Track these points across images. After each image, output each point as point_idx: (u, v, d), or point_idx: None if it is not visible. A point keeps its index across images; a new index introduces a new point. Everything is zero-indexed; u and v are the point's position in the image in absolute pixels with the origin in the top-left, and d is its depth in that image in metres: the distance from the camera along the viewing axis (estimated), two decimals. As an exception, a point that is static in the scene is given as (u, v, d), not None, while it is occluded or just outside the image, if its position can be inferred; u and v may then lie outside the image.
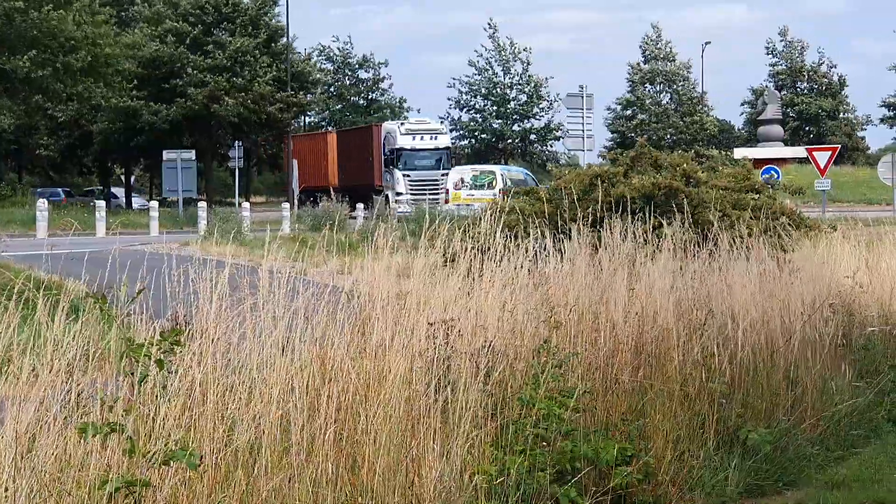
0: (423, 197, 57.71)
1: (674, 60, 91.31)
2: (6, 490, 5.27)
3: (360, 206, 51.97)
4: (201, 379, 6.22)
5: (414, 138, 64.63)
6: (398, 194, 61.68)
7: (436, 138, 65.64)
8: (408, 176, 62.87)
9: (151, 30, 67.80)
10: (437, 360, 7.63)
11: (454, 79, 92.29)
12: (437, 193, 58.85)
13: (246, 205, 45.85)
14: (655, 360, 9.29)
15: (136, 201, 75.12)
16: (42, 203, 43.71)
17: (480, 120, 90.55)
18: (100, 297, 5.92)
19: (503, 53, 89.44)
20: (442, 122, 70.76)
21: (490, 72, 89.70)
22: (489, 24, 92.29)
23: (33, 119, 64.94)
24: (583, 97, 43.30)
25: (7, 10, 52.11)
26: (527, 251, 9.26)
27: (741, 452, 9.43)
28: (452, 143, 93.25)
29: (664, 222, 11.93)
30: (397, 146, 63.95)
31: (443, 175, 60.84)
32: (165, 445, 5.57)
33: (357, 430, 6.85)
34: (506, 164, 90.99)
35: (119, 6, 70.30)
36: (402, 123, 67.27)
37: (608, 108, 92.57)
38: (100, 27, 56.24)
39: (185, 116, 66.65)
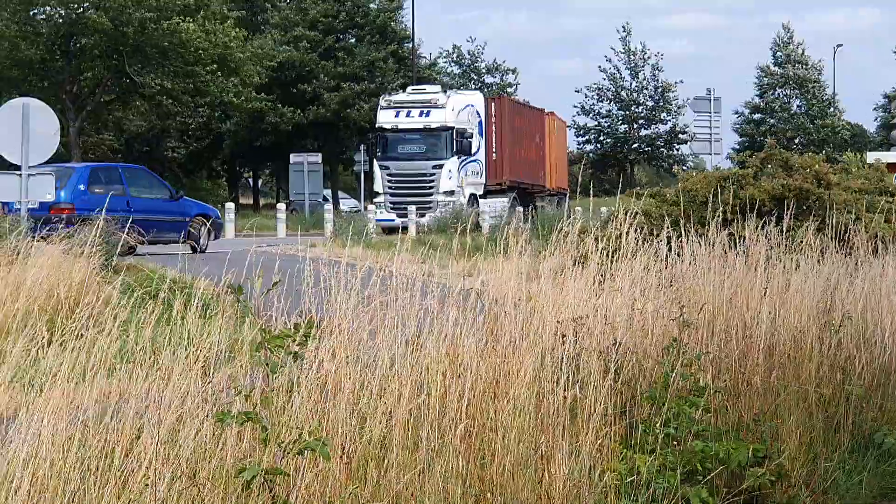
0: (408, 199, 45.18)
1: (806, 64, 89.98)
2: (149, 478, 5.38)
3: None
4: (335, 372, 6.29)
5: (397, 114, 47.30)
6: (375, 195, 47.84)
7: (428, 113, 47.02)
8: (386, 169, 47.31)
9: (281, 35, 68.59)
10: (566, 358, 7.62)
11: (585, 86, 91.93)
12: (428, 195, 46.05)
13: (371, 207, 46.12)
14: (789, 361, 9.17)
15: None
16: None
17: (606, 125, 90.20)
18: (236, 289, 6.02)
19: (632, 58, 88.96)
20: (447, 91, 50.42)
21: (618, 76, 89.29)
22: (623, 27, 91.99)
23: (165, 124, 66.06)
24: (710, 101, 42.89)
25: (140, 21, 53.07)
26: (656, 252, 9.23)
27: (876, 456, 9.28)
28: (581, 144, 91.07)
29: (796, 224, 11.79)
30: (377, 125, 48.51)
31: (435, 168, 46.57)
32: (299, 436, 5.64)
33: (486, 427, 6.87)
34: (631, 169, 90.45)
35: (250, 12, 71.20)
36: (390, 93, 51.65)
37: (736, 113, 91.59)
38: (229, 34, 57.04)
39: (315, 121, 67.27)
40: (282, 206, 43.54)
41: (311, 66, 67.99)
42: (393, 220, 43.75)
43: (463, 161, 47.49)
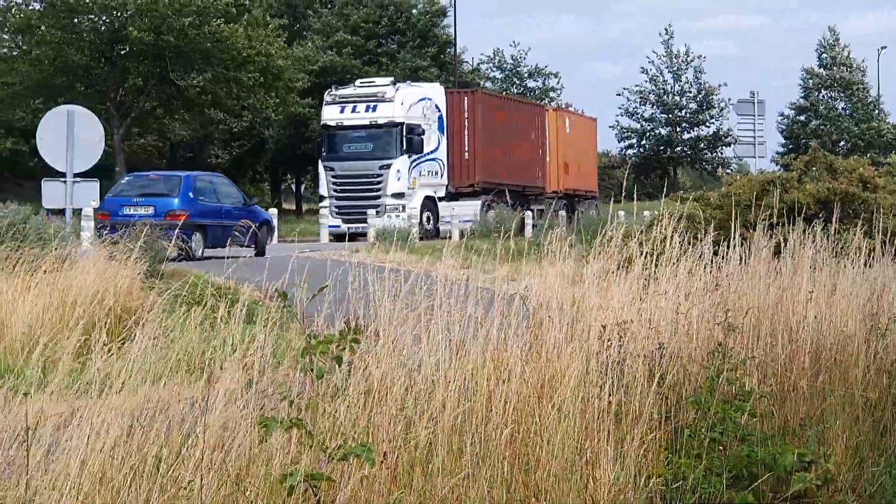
0: (355, 203, 42.15)
1: (851, 66, 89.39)
2: (196, 483, 5.41)
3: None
4: (380, 377, 6.31)
5: (342, 109, 43.18)
6: (321, 199, 44.58)
7: (375, 108, 42.78)
8: (330, 170, 43.25)
9: (322, 41, 68.78)
10: (611, 362, 7.61)
11: (625, 88, 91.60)
12: (376, 198, 42.20)
13: (324, 212, 45.68)
14: (835, 365, 9.12)
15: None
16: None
17: (649, 128, 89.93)
18: (281, 295, 6.03)
19: (675, 60, 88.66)
20: (397, 84, 45.00)
21: (661, 79, 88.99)
22: (665, 30, 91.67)
23: (208, 130, 66.34)
24: (754, 103, 42.77)
25: (182, 26, 53.34)
26: (701, 255, 9.21)
27: (925, 461, 9.20)
28: (622, 149, 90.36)
29: (841, 228, 11.72)
30: (322, 122, 44.44)
31: (382, 168, 42.34)
32: (344, 441, 5.65)
33: (531, 432, 6.87)
34: (674, 172, 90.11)
35: (292, 18, 71.43)
36: (337, 87, 45.71)
37: (781, 115, 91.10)
38: (271, 40, 57.23)
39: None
40: (325, 211, 43.52)
41: (353, 72, 68.13)
42: (339, 227, 41.54)
43: (416, 160, 42.94)
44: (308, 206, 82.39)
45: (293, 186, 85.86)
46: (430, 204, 43.97)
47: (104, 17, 55.27)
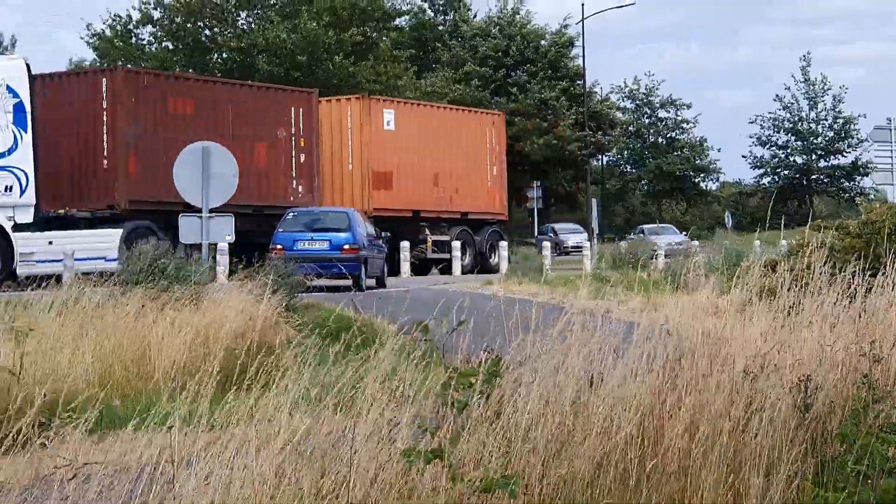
0: None
1: None
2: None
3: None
4: (520, 409, 6.28)
5: None
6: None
7: None
8: None
9: (451, 72, 69.20)
10: (755, 394, 7.50)
11: (757, 115, 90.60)
12: None
13: (546, 244, 46.06)
14: None
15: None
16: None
17: (783, 156, 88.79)
18: (422, 328, 6.06)
19: (812, 88, 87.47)
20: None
21: (796, 106, 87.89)
22: (803, 57, 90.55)
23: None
24: (891, 130, 42.02)
25: (309, 62, 54.09)
26: (847, 285, 9.05)
27: None
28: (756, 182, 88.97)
29: None
30: None
31: None
32: (486, 473, 5.64)
33: (676, 465, 6.79)
34: (811, 201, 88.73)
35: (421, 51, 72.01)
36: None
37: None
38: (399, 73, 57.79)
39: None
40: (457, 243, 43.68)
41: (483, 104, 68.43)
42: None
43: None
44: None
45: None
46: None
47: (235, 54, 56.30)
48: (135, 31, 59.20)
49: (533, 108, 68.85)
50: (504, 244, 44.22)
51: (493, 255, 43.38)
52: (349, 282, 27.94)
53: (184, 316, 14.54)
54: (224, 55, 57.06)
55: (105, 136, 33.06)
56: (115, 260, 29.67)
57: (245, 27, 57.92)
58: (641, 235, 59.53)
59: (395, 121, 41.07)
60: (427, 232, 41.17)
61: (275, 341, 13.70)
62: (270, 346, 12.77)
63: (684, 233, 61.61)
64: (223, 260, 27.82)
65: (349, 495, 5.38)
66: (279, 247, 28.79)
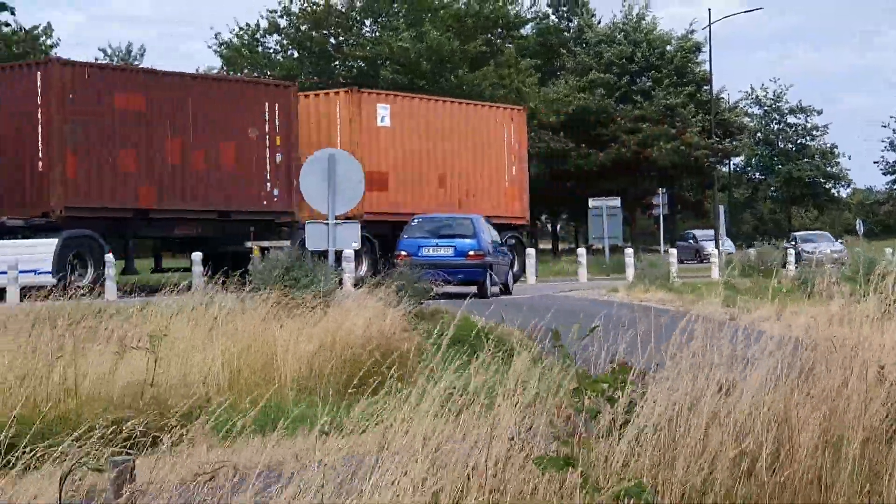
0: None
1: None
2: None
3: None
4: (650, 417, 6.21)
5: None
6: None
7: None
8: None
9: (576, 80, 68.97)
10: (891, 404, 7.33)
11: (891, 117, 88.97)
12: None
13: (672, 251, 45.69)
14: None
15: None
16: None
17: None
18: (554, 334, 6.02)
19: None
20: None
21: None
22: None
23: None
24: None
25: (433, 70, 54.37)
26: None
27: None
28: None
29: None
30: None
31: None
32: (618, 481, 5.58)
33: (810, 475, 6.66)
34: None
35: (545, 58, 71.92)
36: None
37: None
38: (523, 78, 57.81)
39: (615, 162, 67.22)
40: (582, 250, 43.53)
41: (607, 111, 68.12)
42: None
43: None
44: (564, 246, 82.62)
45: (549, 226, 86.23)
46: None
47: (360, 63, 56.79)
48: (261, 39, 59.98)
49: (658, 114, 68.35)
50: (531, 251, 40.64)
51: (513, 263, 35.10)
52: (473, 289, 28.01)
53: (310, 322, 14.66)
54: (349, 63, 57.56)
55: (39, 135, 29.68)
56: (48, 273, 27.95)
57: (369, 35, 58.38)
58: (794, 243, 56.32)
59: (390, 116, 37.17)
60: None
61: (402, 348, 13.76)
62: (398, 353, 12.82)
63: (840, 240, 59.31)
64: (349, 267, 28.00)
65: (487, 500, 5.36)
66: (404, 253, 28.97)
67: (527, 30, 69.61)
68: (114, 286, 27.87)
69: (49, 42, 59.13)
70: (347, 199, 22.39)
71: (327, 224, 22.22)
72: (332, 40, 58.39)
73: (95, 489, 6.62)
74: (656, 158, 66.45)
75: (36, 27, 58.46)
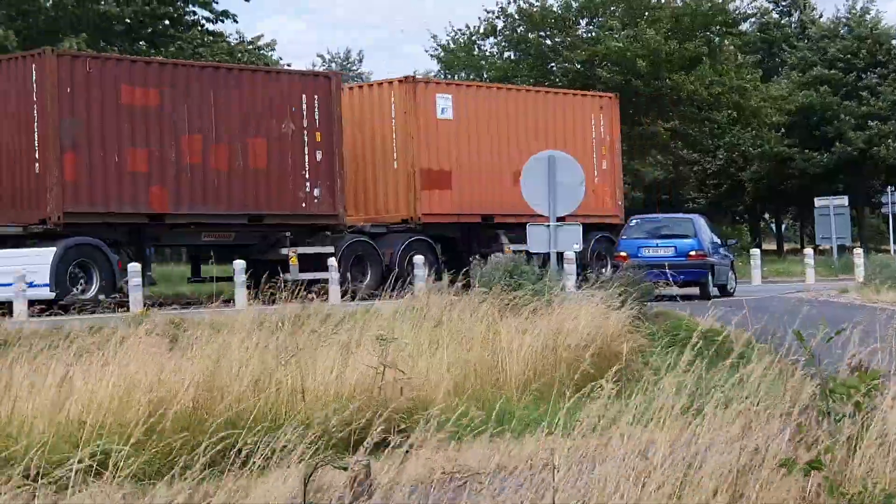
0: None
1: None
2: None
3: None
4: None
5: None
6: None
7: None
8: None
9: (798, 76, 67.43)
10: None
11: None
12: None
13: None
14: None
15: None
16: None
17: None
18: (797, 335, 5.82)
19: None
20: None
21: None
22: None
23: (681, 171, 66.43)
24: None
25: (650, 70, 53.81)
26: None
27: None
28: None
29: None
30: None
31: None
32: (864, 488, 5.36)
33: None
34: None
35: (767, 53, 70.53)
36: None
37: None
38: (743, 75, 56.80)
39: (839, 162, 65.65)
40: (809, 251, 42.44)
41: (831, 109, 66.43)
42: None
43: None
44: (789, 246, 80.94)
45: (772, 226, 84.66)
46: None
47: (576, 64, 56.59)
48: (478, 42, 60.20)
49: (886, 111, 66.35)
50: (755, 252, 39.10)
51: (604, 266, 32.89)
52: (695, 290, 27.64)
53: (533, 324, 14.62)
54: (566, 64, 57.38)
55: (36, 134, 26.77)
56: (45, 286, 25.36)
57: (585, 35, 58.09)
58: None
59: (452, 108, 33.39)
60: (504, 240, 33.21)
61: (624, 350, 13.60)
62: (620, 355, 12.67)
63: None
64: (570, 269, 27.94)
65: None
66: (623, 254, 28.93)
67: (745, 26, 68.30)
68: (140, 297, 24.71)
69: (272, 54, 60.67)
70: (568, 202, 22.28)
71: (548, 226, 22.17)
72: (549, 41, 58.26)
73: (324, 488, 6.65)
74: (885, 156, 64.54)
75: (259, 37, 60.17)
